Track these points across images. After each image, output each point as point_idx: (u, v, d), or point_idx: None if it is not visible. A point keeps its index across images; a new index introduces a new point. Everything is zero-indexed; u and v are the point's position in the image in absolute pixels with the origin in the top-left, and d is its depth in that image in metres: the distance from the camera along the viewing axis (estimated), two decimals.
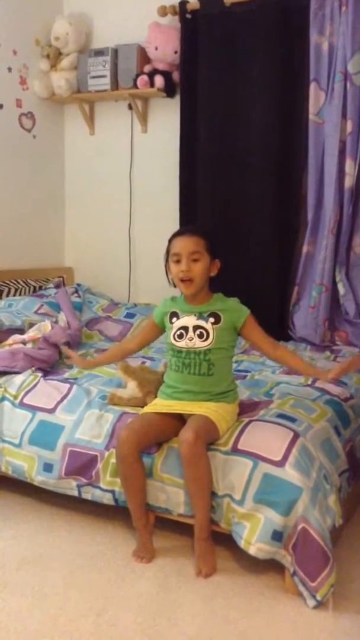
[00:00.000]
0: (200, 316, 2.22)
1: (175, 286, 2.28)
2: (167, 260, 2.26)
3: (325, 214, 3.45)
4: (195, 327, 2.21)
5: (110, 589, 2.00)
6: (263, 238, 3.58)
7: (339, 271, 3.48)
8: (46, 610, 1.88)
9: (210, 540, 2.12)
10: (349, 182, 3.36)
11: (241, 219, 3.61)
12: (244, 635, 1.80)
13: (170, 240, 2.25)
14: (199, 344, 2.20)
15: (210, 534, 2.12)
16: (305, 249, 3.55)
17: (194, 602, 1.95)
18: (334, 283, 3.50)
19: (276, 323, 3.62)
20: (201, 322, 2.21)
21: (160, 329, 2.36)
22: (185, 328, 2.22)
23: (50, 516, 2.48)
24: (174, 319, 2.26)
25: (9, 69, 3.80)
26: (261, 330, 2.28)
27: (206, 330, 2.20)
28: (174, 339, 2.24)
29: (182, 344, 2.22)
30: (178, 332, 2.23)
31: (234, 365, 2.78)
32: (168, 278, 2.28)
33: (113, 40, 3.89)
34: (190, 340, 2.20)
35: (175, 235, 2.25)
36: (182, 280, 2.19)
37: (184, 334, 2.22)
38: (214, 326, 2.20)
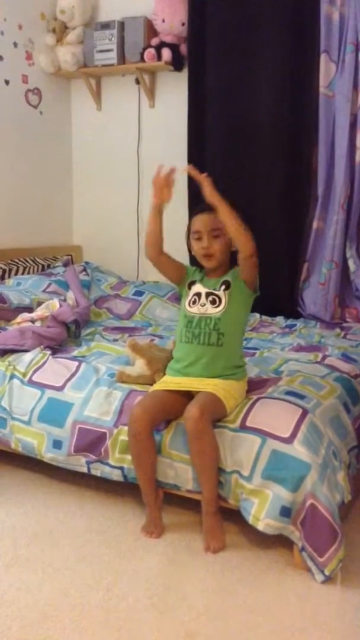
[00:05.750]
0: (214, 289, 2.28)
1: (195, 263, 2.36)
2: (188, 238, 2.33)
3: (336, 188, 3.40)
4: (208, 294, 2.27)
5: (120, 564, 2.02)
6: (273, 214, 3.54)
7: (349, 247, 3.44)
8: (56, 585, 1.90)
9: (218, 515, 2.13)
10: None
11: (250, 195, 3.56)
12: (253, 609, 1.81)
13: (191, 219, 2.32)
14: (211, 310, 2.25)
15: (218, 509, 2.13)
16: (315, 224, 3.51)
17: (202, 576, 1.97)
18: (345, 259, 3.46)
19: (286, 300, 3.59)
20: (214, 291, 2.27)
21: (184, 275, 2.35)
22: (199, 294, 2.29)
23: (60, 492, 2.50)
24: (192, 286, 2.33)
25: (15, 44, 3.75)
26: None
27: (218, 296, 2.25)
28: (188, 305, 2.30)
29: (194, 309, 2.27)
30: (192, 299, 2.30)
31: (243, 342, 2.78)
32: (190, 254, 2.37)
33: (119, 13, 3.83)
34: (203, 306, 2.26)
35: (196, 213, 2.32)
36: (204, 256, 2.27)
37: (197, 300, 2.28)
38: (225, 292, 2.25)
